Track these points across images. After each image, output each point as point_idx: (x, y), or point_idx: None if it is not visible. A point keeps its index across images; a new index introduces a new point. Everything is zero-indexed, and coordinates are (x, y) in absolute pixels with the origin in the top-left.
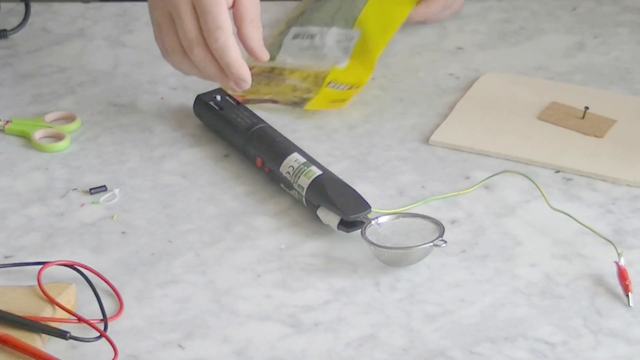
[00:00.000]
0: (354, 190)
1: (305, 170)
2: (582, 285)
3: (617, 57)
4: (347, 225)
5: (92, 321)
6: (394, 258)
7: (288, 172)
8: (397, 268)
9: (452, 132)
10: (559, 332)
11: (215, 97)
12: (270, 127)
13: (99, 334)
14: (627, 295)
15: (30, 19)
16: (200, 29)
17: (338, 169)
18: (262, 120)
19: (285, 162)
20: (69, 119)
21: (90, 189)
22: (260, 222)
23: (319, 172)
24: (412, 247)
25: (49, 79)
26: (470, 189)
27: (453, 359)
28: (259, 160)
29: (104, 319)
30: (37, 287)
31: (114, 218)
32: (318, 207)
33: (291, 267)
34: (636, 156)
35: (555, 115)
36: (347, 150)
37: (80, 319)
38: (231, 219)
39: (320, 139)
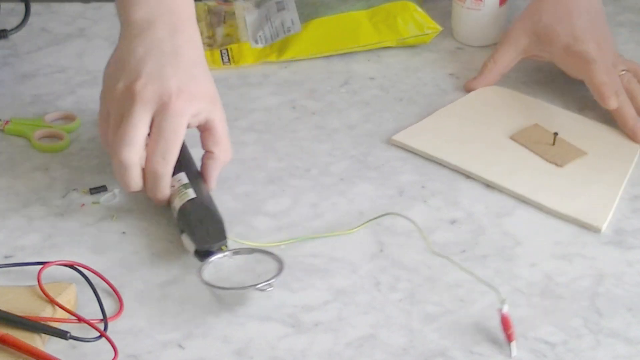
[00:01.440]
0: (219, 218)
1: (182, 192)
2: (582, 285)
3: None
4: (201, 254)
5: (92, 321)
6: (225, 298)
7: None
8: (397, 268)
9: (416, 136)
10: (559, 332)
11: None
12: (182, 144)
13: (99, 334)
14: (510, 345)
15: (30, 19)
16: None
17: (338, 169)
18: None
19: (170, 181)
20: (69, 119)
21: (90, 189)
22: (260, 222)
23: (192, 195)
24: (231, 288)
25: (49, 79)
26: (355, 229)
27: (453, 359)
28: None
29: (104, 319)
30: (37, 287)
31: (114, 218)
32: (182, 232)
33: (291, 267)
34: (581, 192)
35: (527, 137)
36: (347, 150)
37: (80, 319)
38: (231, 219)
39: (320, 139)
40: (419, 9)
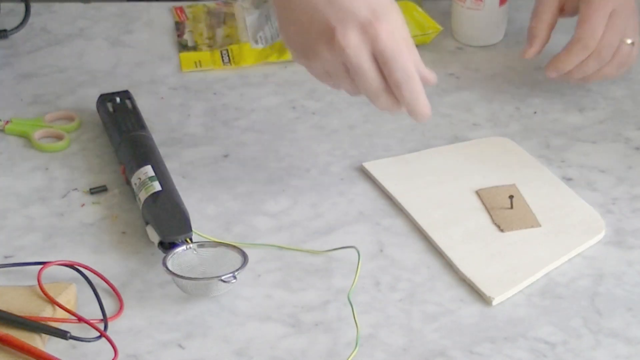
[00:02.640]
0: (184, 211)
1: (148, 184)
2: (582, 285)
3: None
4: (166, 246)
5: (92, 321)
6: (189, 288)
7: (135, 184)
8: (397, 268)
9: (387, 170)
10: (559, 332)
11: (114, 99)
12: (146, 137)
13: (99, 334)
14: None
15: (30, 19)
16: (384, 77)
17: (338, 169)
18: (145, 129)
19: (136, 173)
20: (69, 119)
21: (90, 189)
22: (260, 222)
23: (158, 188)
24: (195, 279)
25: (49, 79)
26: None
27: (453, 359)
28: (121, 168)
29: (104, 319)
30: (37, 287)
31: (114, 218)
32: (147, 223)
33: (291, 267)
34: (498, 262)
35: (491, 195)
36: (347, 150)
37: (80, 319)
38: (231, 219)
39: (320, 139)
40: (420, 9)
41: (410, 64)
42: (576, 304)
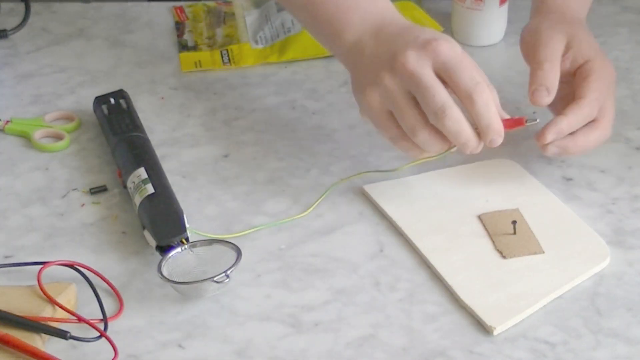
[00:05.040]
0: (177, 212)
1: (141, 187)
2: (582, 285)
3: (617, 57)
4: (163, 249)
5: (92, 321)
6: (183, 292)
7: (130, 188)
8: (397, 268)
9: (387, 192)
10: (559, 332)
11: (109, 100)
12: (140, 137)
13: (99, 334)
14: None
15: (30, 19)
16: (422, 113)
17: (338, 169)
18: (138, 129)
19: (130, 176)
20: (69, 119)
21: (91, 189)
22: (260, 222)
23: (151, 191)
24: (187, 283)
25: (49, 79)
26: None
27: (453, 359)
28: (118, 172)
29: (104, 319)
30: (37, 287)
31: (114, 218)
32: (144, 228)
33: (291, 267)
34: (499, 290)
35: (494, 220)
36: (347, 150)
37: (80, 319)
38: (231, 219)
39: (320, 139)
40: (420, 9)
41: (477, 71)
42: (576, 304)
